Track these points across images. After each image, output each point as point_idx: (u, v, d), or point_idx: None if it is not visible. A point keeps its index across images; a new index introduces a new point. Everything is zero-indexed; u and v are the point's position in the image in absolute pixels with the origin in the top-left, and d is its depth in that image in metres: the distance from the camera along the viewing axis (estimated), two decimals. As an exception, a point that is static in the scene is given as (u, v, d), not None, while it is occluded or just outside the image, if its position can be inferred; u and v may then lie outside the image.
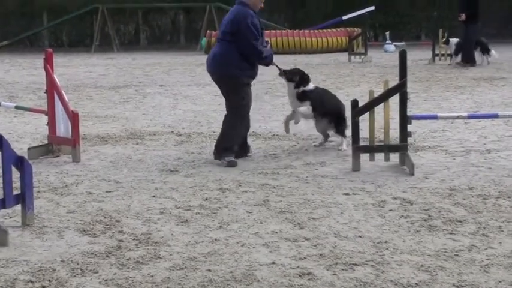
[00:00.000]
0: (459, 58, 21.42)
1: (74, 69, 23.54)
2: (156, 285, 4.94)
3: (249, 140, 9.55)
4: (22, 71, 23.30)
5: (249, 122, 9.24)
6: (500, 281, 4.92)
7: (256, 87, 17.03)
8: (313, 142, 10.17)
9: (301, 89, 9.60)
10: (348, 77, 19.46)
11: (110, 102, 15.03)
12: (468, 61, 21.01)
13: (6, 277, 5.12)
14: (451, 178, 7.94)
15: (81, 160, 9.12)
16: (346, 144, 9.47)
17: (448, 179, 7.89)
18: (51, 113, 9.55)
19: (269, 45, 9.18)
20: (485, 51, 21.51)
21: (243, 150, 9.16)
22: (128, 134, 11.16)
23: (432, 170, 8.35)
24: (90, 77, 20.77)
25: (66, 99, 9.40)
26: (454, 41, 21.69)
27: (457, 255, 5.47)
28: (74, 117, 9.18)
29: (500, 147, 9.60)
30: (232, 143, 8.89)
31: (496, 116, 9.21)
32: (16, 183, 6.59)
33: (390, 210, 6.74)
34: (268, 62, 9.11)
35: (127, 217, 6.63)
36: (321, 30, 32.18)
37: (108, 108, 14.21)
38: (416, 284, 4.96)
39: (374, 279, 5.04)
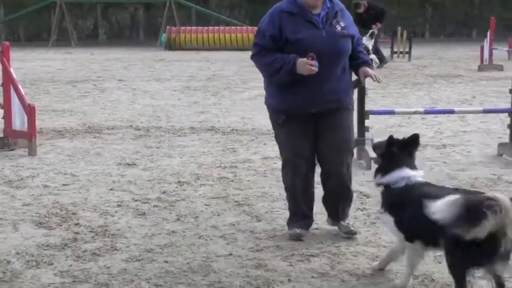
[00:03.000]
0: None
1: (31, 63, 23.28)
2: (112, 277, 4.93)
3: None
4: (-22, 65, 22.98)
5: (306, 184, 5.92)
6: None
7: (215, 83, 17.12)
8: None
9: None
10: (307, 74, 19.51)
11: (68, 97, 14.90)
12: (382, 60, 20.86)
13: (-40, 269, 5.07)
14: (407, 172, 8.01)
15: (38, 154, 9.03)
16: None
17: (404, 173, 7.96)
18: (7, 107, 9.45)
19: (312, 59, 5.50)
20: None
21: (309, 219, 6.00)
22: (85, 128, 11.08)
23: (389, 164, 8.41)
24: (48, 71, 20.57)
25: (23, 93, 9.31)
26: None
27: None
28: (30, 111, 9.10)
29: (456, 142, 9.72)
30: (289, 206, 6.03)
31: (451, 112, 9.34)
32: (-29, 176, 6.52)
33: (347, 203, 6.78)
34: (280, 77, 5.64)
35: (83, 210, 6.59)
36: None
37: (66, 102, 14.09)
38: (371, 274, 5.02)
39: (330, 270, 5.09)
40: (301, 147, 5.76)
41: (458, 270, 4.29)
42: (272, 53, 5.64)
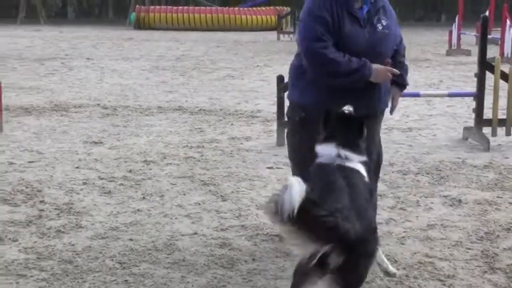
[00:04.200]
0: None
1: (-2, 40, 23.04)
2: (76, 254, 4.93)
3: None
4: None
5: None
6: (415, 253, 5.05)
7: (183, 63, 17.07)
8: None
9: None
10: (277, 55, 19.56)
11: (35, 74, 14.79)
12: None
13: None
14: (372, 154, 8.08)
15: (3, 130, 8.97)
16: None
17: (369, 155, 8.03)
18: (-28, 82, 9.36)
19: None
20: None
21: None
22: (52, 106, 11.01)
23: (355, 146, 8.47)
24: (15, 48, 20.37)
25: (-11, 69, 9.23)
26: None
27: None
28: (-4, 87, 9.03)
29: (421, 125, 9.82)
30: None
31: (417, 95, 9.39)
32: None
33: (312, 184, 6.82)
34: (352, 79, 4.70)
35: (49, 187, 6.57)
36: (250, 8, 32.21)
37: (33, 80, 13.99)
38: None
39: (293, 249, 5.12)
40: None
41: None
42: (336, 49, 4.68)
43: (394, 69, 4.77)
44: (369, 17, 4.79)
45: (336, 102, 4.44)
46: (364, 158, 4.13)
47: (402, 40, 5.06)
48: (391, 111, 5.06)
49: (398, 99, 5.06)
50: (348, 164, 4.01)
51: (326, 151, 4.07)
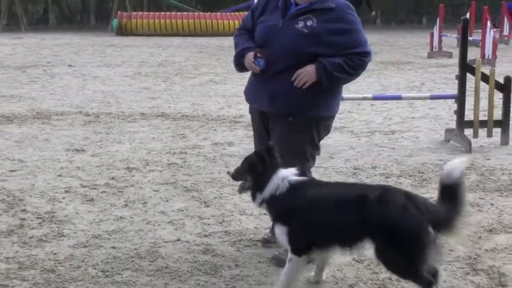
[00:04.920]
0: None
1: (-21, 48, 22.90)
2: (59, 263, 4.91)
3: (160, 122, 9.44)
4: None
5: None
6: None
7: (165, 69, 17.04)
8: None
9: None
10: (259, 60, 19.53)
11: (16, 82, 14.70)
12: None
13: None
14: (355, 158, 8.11)
15: (-15, 139, 8.93)
16: None
17: (352, 159, 8.05)
18: (-47, 92, 9.30)
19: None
20: None
21: None
22: (34, 113, 10.96)
23: (338, 150, 8.50)
24: (-4, 56, 20.25)
25: (-31, 77, 9.17)
26: None
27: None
28: (-23, 96, 8.98)
29: (404, 128, 9.84)
30: None
31: (399, 98, 9.44)
32: None
33: (295, 188, 6.82)
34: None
35: (31, 196, 6.54)
36: (233, 13, 32.21)
37: (15, 88, 13.90)
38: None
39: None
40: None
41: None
42: (243, 34, 5.10)
43: (253, 64, 4.89)
44: (302, 13, 4.87)
45: (251, 94, 5.16)
46: None
47: (356, 47, 4.89)
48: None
49: (302, 77, 4.86)
50: None
51: None
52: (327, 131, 5.21)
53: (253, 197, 4.49)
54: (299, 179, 4.41)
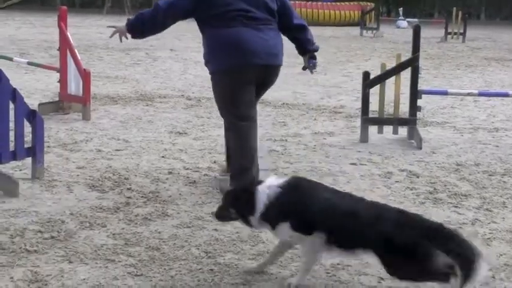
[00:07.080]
0: None
1: (85, 29, 23.54)
2: (163, 241, 5.01)
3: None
4: (33, 29, 23.32)
5: None
6: (501, 254, 4.98)
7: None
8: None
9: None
10: (359, 51, 19.45)
11: (121, 64, 15.07)
12: None
13: (16, 226, 5.19)
14: (458, 154, 7.99)
15: (91, 118, 9.19)
16: None
17: (455, 155, 7.93)
18: (63, 71, 9.59)
19: None
20: None
21: None
22: (138, 95, 11.21)
23: (439, 145, 8.39)
24: (102, 38, 20.77)
25: (79, 58, 9.43)
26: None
27: (461, 227, 5.52)
28: (85, 76, 9.23)
29: (508, 126, 9.63)
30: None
31: (506, 95, 9.23)
32: (27, 137, 6.63)
33: (396, 181, 6.79)
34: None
35: (135, 175, 6.70)
36: (333, 3, 32.08)
37: (119, 69, 14.26)
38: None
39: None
40: None
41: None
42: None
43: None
44: None
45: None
46: None
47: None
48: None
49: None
50: None
51: None
52: None
53: (248, 223, 4.42)
54: (283, 180, 4.38)
